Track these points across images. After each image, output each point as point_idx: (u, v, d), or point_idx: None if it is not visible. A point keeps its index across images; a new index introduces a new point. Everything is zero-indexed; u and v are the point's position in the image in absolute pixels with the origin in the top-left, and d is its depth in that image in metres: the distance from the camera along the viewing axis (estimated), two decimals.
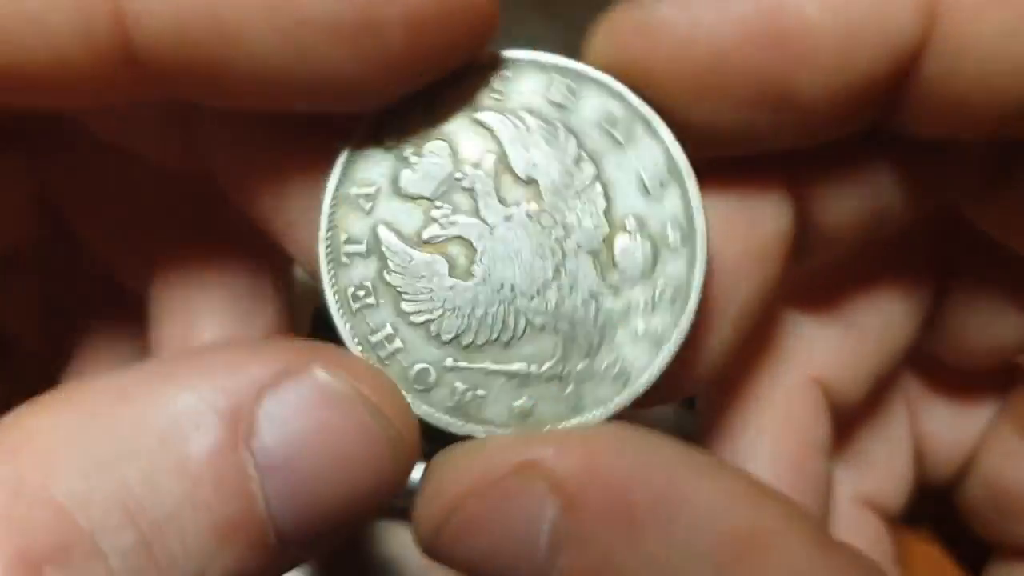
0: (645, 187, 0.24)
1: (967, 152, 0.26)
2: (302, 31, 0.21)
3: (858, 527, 0.32)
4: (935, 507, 0.35)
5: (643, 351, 0.24)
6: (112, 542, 0.19)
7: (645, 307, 0.24)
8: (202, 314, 0.29)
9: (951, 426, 0.33)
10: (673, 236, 0.24)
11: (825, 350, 0.30)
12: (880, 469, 0.33)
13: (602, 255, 0.24)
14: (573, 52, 0.25)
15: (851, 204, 0.26)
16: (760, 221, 0.25)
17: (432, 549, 0.23)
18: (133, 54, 0.22)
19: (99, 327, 0.33)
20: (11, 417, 0.21)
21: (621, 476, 0.22)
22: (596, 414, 0.24)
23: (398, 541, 0.46)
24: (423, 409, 0.24)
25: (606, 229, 0.24)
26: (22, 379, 0.34)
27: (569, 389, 0.24)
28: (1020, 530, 0.32)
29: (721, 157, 0.25)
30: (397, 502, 0.24)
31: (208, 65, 0.22)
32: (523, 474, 0.22)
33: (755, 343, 0.30)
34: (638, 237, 0.24)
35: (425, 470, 0.24)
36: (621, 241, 0.24)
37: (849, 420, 0.31)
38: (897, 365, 0.31)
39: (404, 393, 0.23)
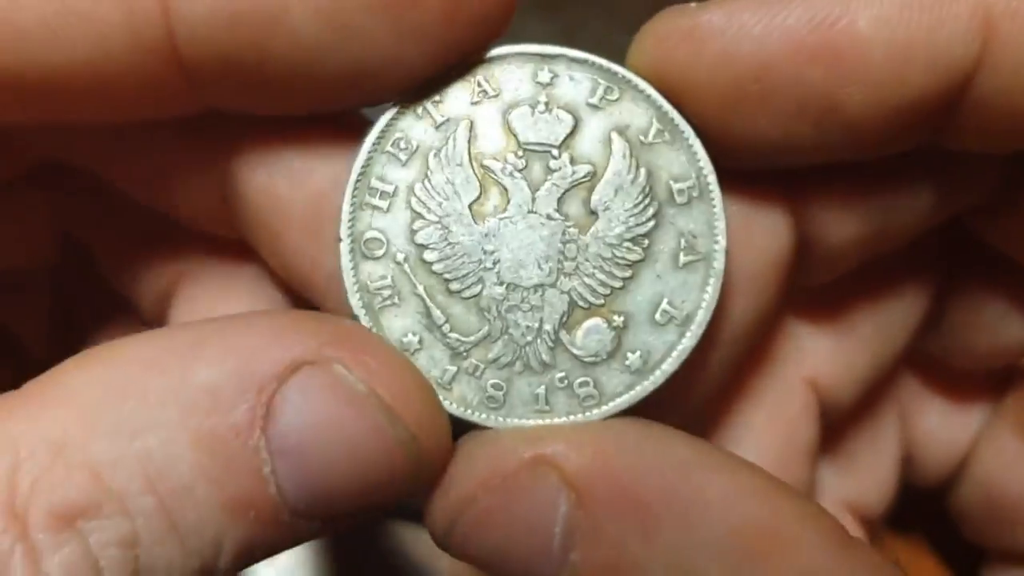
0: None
1: (973, 169, 0.26)
2: (344, 6, 0.22)
3: None
4: (927, 513, 0.35)
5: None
6: (136, 504, 0.20)
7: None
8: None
9: (946, 427, 0.33)
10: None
11: (819, 351, 0.30)
12: (864, 474, 0.33)
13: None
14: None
15: (853, 223, 0.26)
16: (760, 241, 0.26)
17: (446, 543, 0.23)
18: (177, 48, 0.22)
19: (106, 337, 0.34)
20: (55, 371, 0.21)
21: (634, 470, 0.22)
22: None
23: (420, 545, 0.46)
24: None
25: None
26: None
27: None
28: (1015, 535, 0.32)
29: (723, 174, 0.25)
30: (417, 503, 0.24)
31: (252, 50, 0.22)
32: (536, 468, 0.22)
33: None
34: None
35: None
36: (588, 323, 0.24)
37: (839, 422, 0.31)
38: (892, 368, 0.31)
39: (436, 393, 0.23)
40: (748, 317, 0.26)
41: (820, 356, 0.31)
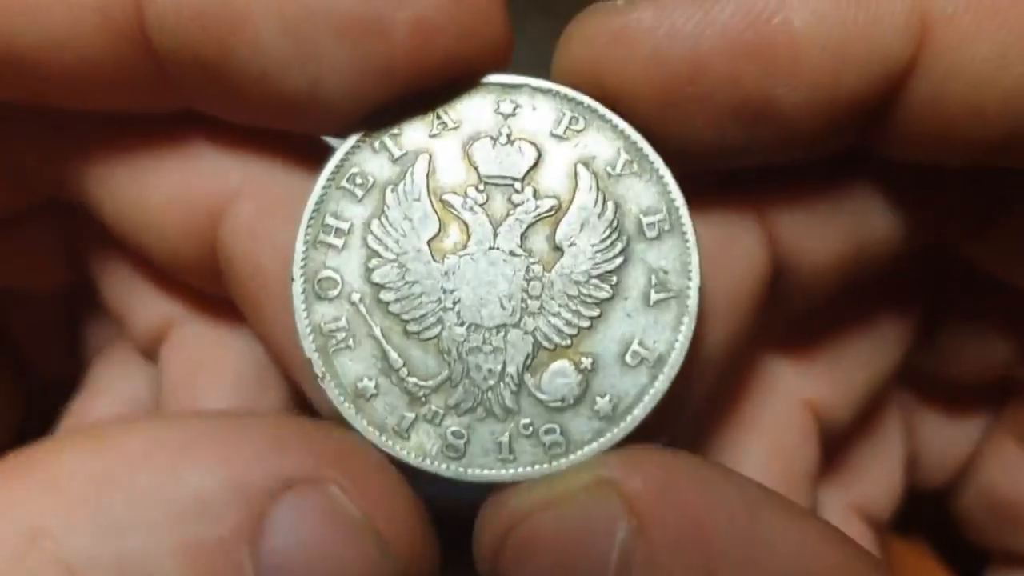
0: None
1: (953, 190, 0.25)
2: (308, 23, 0.21)
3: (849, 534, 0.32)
4: (929, 516, 0.35)
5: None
6: None
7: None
8: (210, 384, 0.29)
9: (946, 435, 0.33)
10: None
11: (815, 374, 0.30)
12: (871, 479, 0.32)
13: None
14: None
15: (828, 246, 0.25)
16: (735, 269, 0.25)
17: (492, 565, 0.22)
18: (148, 36, 0.22)
19: (114, 351, 0.33)
20: (40, 450, 0.20)
21: (701, 503, 0.20)
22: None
23: None
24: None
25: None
26: (37, 395, 0.35)
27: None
28: (1017, 538, 0.32)
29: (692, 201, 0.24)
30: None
31: (216, 48, 0.22)
32: (597, 489, 0.21)
33: (745, 368, 0.29)
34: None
35: (492, 488, 0.23)
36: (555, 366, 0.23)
37: (841, 438, 0.31)
38: (889, 382, 0.31)
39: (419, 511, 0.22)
40: (724, 350, 0.25)
41: (817, 378, 0.30)
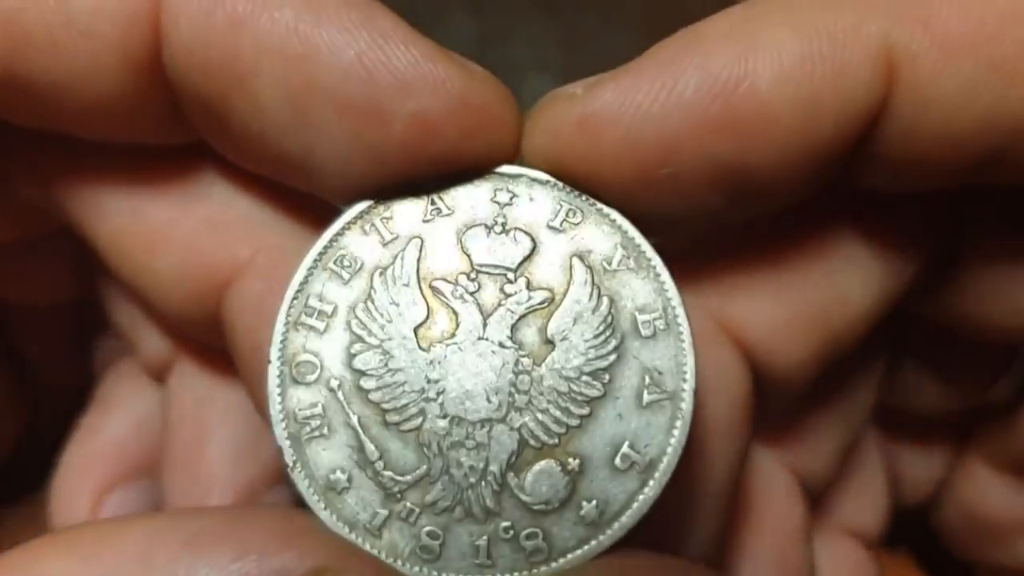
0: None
1: (904, 256, 0.26)
2: (310, 97, 0.21)
3: (843, 555, 0.32)
4: (914, 530, 0.35)
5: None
6: None
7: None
8: (217, 420, 0.28)
9: (920, 459, 0.33)
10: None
11: (792, 448, 0.29)
12: (859, 500, 0.32)
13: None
14: (572, 51, 0.24)
15: (801, 342, 0.25)
16: (724, 383, 0.24)
17: None
18: (164, 72, 0.22)
19: (125, 366, 0.33)
20: (26, 553, 0.19)
21: None
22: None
23: None
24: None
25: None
26: (42, 404, 0.35)
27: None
28: (997, 552, 0.32)
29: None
30: None
31: (219, 98, 0.22)
32: None
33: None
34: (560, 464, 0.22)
35: None
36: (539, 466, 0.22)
37: (823, 487, 0.31)
38: (861, 429, 0.31)
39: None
40: (731, 465, 0.24)
41: (793, 452, 0.30)
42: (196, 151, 0.26)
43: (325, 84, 0.21)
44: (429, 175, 0.22)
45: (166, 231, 0.26)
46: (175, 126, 0.24)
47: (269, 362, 0.22)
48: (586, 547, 0.21)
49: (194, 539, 0.19)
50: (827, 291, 0.25)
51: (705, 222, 0.23)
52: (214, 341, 0.27)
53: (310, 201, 0.26)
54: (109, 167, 0.26)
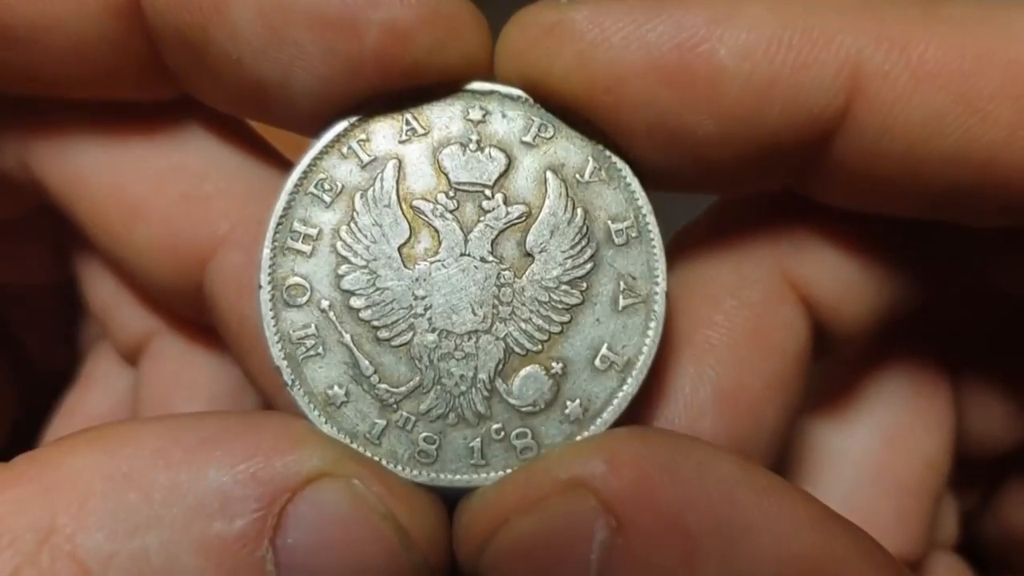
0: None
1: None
2: (284, 14, 0.21)
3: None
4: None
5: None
6: None
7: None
8: (184, 404, 0.29)
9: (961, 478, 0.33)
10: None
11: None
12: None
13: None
14: None
15: (865, 299, 0.25)
16: (777, 346, 0.24)
17: (473, 568, 0.22)
18: (143, 14, 0.22)
19: (107, 346, 0.33)
20: (53, 450, 0.20)
21: (678, 496, 0.20)
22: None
23: None
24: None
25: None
26: (35, 389, 0.35)
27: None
28: None
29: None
30: None
31: (198, 31, 0.22)
32: (572, 491, 0.21)
33: None
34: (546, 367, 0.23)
35: (462, 499, 0.23)
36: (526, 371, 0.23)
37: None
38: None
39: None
40: (779, 420, 0.25)
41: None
42: (172, 119, 0.26)
43: (299, 1, 0.21)
44: (404, 91, 0.23)
45: (145, 204, 0.26)
46: (153, 75, 0.24)
47: (260, 287, 0.23)
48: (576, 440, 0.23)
49: (208, 439, 0.20)
50: (892, 252, 0.25)
51: (651, 174, 0.23)
52: (197, 314, 0.27)
53: (280, 167, 0.27)
54: (88, 137, 0.26)
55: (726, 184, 0.24)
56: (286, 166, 0.26)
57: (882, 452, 0.30)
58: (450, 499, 0.23)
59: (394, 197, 0.23)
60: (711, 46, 0.21)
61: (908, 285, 0.26)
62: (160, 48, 0.23)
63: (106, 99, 0.25)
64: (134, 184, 0.26)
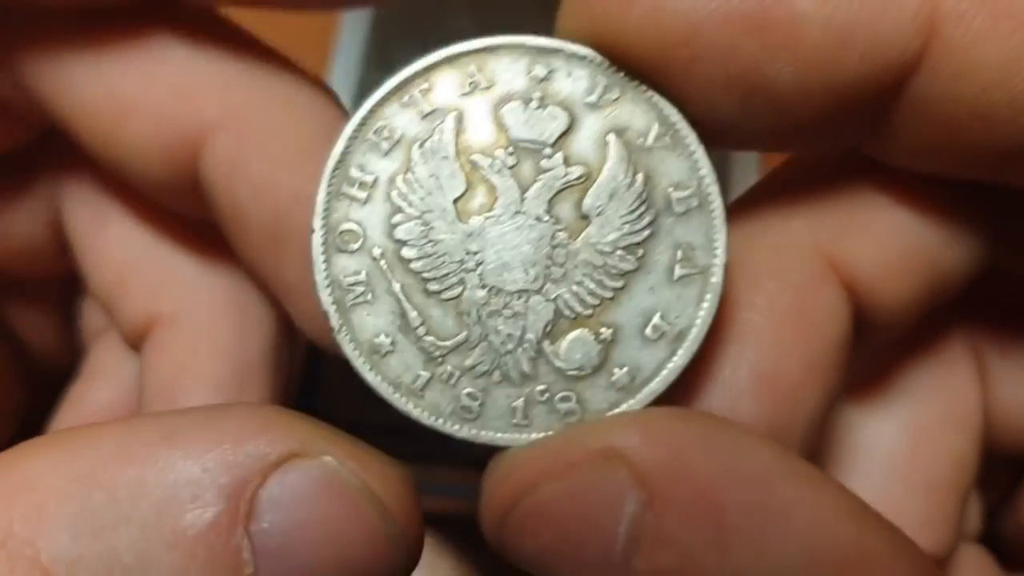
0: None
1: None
2: None
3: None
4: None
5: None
6: None
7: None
8: (189, 390, 0.28)
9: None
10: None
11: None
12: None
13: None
14: None
15: (906, 283, 0.25)
16: (818, 330, 0.24)
17: (498, 537, 0.22)
18: None
19: (111, 336, 0.33)
20: (9, 455, 0.19)
21: (712, 474, 0.20)
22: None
23: None
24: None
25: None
26: (39, 381, 0.35)
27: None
28: None
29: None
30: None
31: None
32: (604, 460, 0.20)
33: None
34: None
35: (494, 457, 0.22)
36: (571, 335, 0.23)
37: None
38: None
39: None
40: (818, 404, 0.24)
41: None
42: (151, 23, 0.26)
43: None
44: (470, 44, 0.23)
45: (135, 101, 0.26)
46: None
47: (313, 231, 0.23)
48: (616, 411, 0.23)
49: (172, 433, 0.20)
50: (937, 233, 0.24)
51: (724, 130, 0.23)
52: (198, 213, 0.27)
53: (269, 58, 0.27)
54: (76, 48, 0.26)
55: (801, 139, 0.23)
56: (266, 52, 0.27)
57: (912, 449, 0.30)
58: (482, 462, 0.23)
59: (452, 150, 0.23)
60: None
61: (954, 269, 0.25)
62: None
63: (82, 5, 0.25)
64: (123, 85, 0.26)
